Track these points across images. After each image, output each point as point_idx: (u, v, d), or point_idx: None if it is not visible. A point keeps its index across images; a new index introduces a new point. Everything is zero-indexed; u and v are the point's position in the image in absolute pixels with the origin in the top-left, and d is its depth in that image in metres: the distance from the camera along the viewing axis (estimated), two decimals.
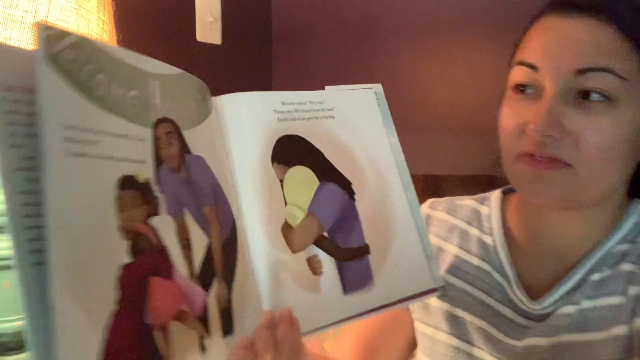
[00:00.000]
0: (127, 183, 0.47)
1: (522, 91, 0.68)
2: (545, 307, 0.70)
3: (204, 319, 0.52)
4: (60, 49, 0.44)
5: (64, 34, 0.44)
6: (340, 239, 0.65)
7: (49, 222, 0.40)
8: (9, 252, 0.86)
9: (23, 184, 0.41)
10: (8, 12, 0.70)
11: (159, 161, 0.51)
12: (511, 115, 0.68)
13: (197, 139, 0.56)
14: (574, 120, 0.63)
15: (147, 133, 0.50)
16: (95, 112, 0.46)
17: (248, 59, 1.52)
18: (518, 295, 0.72)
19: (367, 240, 0.66)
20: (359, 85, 0.71)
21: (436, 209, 0.83)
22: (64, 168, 0.42)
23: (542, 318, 0.70)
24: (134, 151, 0.48)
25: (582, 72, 0.63)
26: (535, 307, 0.71)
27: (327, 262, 0.64)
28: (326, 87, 0.70)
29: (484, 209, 0.80)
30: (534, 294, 0.72)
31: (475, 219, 0.80)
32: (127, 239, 0.45)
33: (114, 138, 0.47)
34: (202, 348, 0.51)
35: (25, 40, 0.71)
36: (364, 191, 0.67)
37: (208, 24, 1.37)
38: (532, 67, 0.67)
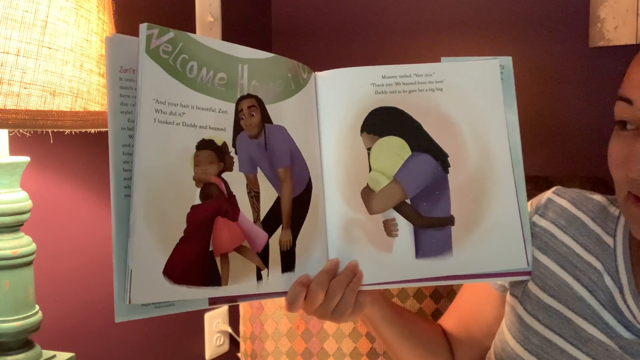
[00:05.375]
0: (205, 145, 0.62)
1: (625, 127, 0.66)
2: None
3: (264, 256, 0.65)
4: (158, 44, 0.59)
5: (163, 32, 0.60)
6: (423, 208, 0.69)
7: (135, 169, 0.57)
8: (9, 252, 0.86)
9: (125, 139, 0.58)
10: (8, 12, 0.70)
11: (238, 129, 0.64)
12: (616, 151, 0.67)
13: (281, 112, 0.67)
14: None
15: (231, 107, 0.64)
16: (184, 91, 0.61)
17: None
18: (631, 307, 0.70)
19: (453, 212, 0.68)
20: (484, 57, 0.71)
21: (560, 196, 0.80)
22: (151, 131, 0.58)
23: None
24: (215, 121, 0.62)
25: None
26: None
27: (404, 226, 0.68)
28: (442, 58, 0.70)
29: (613, 210, 0.77)
30: None
31: (601, 216, 0.77)
32: (199, 187, 0.61)
33: (198, 111, 0.61)
34: (259, 277, 0.64)
35: (25, 40, 0.71)
36: (461, 165, 0.69)
37: (208, 24, 1.37)
38: (628, 101, 0.65)
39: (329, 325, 1.07)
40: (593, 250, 0.75)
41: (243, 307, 1.17)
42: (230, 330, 1.47)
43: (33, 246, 0.84)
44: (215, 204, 0.62)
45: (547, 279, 0.75)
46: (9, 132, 0.83)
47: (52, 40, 0.73)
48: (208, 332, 1.43)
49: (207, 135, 0.62)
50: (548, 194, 0.82)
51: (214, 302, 0.62)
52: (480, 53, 1.39)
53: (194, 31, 1.35)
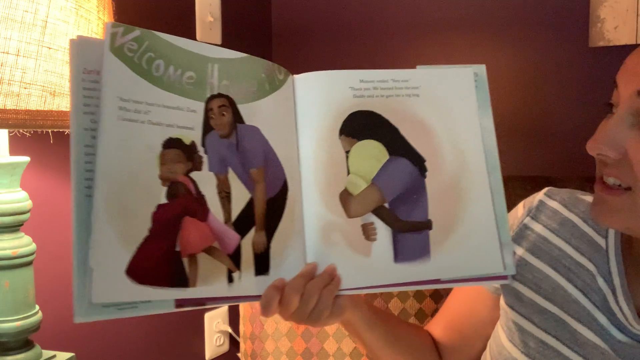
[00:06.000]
0: (171, 143, 0.61)
1: (611, 110, 0.68)
2: None
3: (236, 257, 0.63)
4: (123, 42, 0.59)
5: (128, 30, 0.60)
6: (401, 211, 0.68)
7: (97, 166, 0.57)
8: (9, 252, 0.86)
9: (88, 139, 0.58)
10: (8, 12, 0.70)
11: (208, 128, 0.63)
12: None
13: (254, 112, 0.67)
14: (630, 143, 0.63)
15: (200, 106, 0.63)
16: (149, 89, 0.60)
17: None
18: (623, 308, 0.70)
19: (431, 217, 0.68)
20: (458, 65, 0.72)
21: (552, 197, 0.80)
22: (114, 129, 0.58)
23: None
24: (183, 119, 0.62)
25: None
26: None
27: (383, 230, 0.68)
28: (418, 66, 0.71)
29: None
30: None
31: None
32: (165, 186, 0.60)
33: (165, 109, 0.61)
34: (230, 279, 0.62)
35: (25, 40, 0.71)
36: (438, 170, 0.69)
37: (208, 24, 1.37)
38: (615, 84, 0.67)
39: (329, 325, 1.07)
40: (586, 252, 0.75)
41: (243, 307, 1.17)
42: (230, 330, 1.47)
43: (33, 246, 0.84)
44: (182, 203, 0.61)
45: (541, 282, 0.75)
46: (9, 132, 0.83)
47: (52, 40, 0.73)
48: (208, 332, 1.43)
49: (175, 133, 0.61)
50: (540, 195, 0.82)
51: (181, 304, 0.60)
52: (479, 53, 1.39)
53: (194, 31, 1.35)
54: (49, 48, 0.73)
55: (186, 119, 0.62)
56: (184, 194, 0.61)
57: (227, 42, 1.43)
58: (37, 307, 0.86)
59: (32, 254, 0.83)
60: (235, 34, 1.47)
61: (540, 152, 1.35)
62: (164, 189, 0.60)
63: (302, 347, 1.09)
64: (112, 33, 0.59)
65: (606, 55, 1.28)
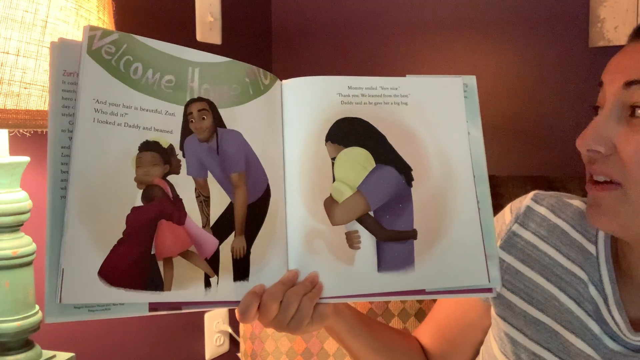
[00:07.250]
0: (148, 146, 0.61)
1: (597, 112, 0.69)
2: None
3: (214, 262, 0.63)
4: (101, 45, 0.60)
5: (106, 33, 0.60)
6: (386, 220, 0.67)
7: (71, 166, 0.57)
8: (9, 252, 0.85)
9: (65, 140, 0.58)
10: (8, 12, 0.70)
11: (187, 132, 0.63)
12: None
13: (237, 117, 0.66)
14: (619, 136, 0.63)
15: (179, 109, 0.63)
16: (127, 92, 0.60)
17: (248, 59, 1.52)
18: (615, 317, 0.69)
19: (416, 226, 0.68)
20: (448, 76, 0.71)
21: (539, 203, 0.79)
22: (90, 131, 0.58)
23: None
24: (161, 123, 0.62)
25: (629, 84, 0.63)
26: (635, 339, 0.67)
27: (367, 239, 0.67)
28: (407, 75, 0.71)
29: None
30: (636, 323, 0.69)
31: (581, 223, 0.76)
32: (141, 189, 0.60)
33: (142, 112, 0.61)
34: (207, 284, 0.62)
35: (25, 40, 0.71)
36: (424, 179, 0.69)
37: (208, 24, 1.37)
38: (600, 84, 0.68)
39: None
40: (576, 259, 0.74)
41: None
42: (230, 330, 1.47)
43: (33, 246, 0.84)
44: (158, 207, 0.60)
45: (533, 292, 0.75)
46: (9, 132, 0.83)
47: (52, 40, 0.73)
48: (208, 332, 1.43)
49: (152, 136, 0.61)
50: (527, 200, 0.80)
51: (155, 307, 0.59)
52: (479, 53, 1.39)
53: (194, 31, 1.35)
54: (49, 48, 0.73)
55: (164, 122, 0.62)
56: (160, 197, 0.60)
57: (227, 42, 1.43)
58: (37, 307, 0.86)
59: (32, 254, 0.83)
60: (235, 34, 1.47)
61: (540, 153, 1.35)
62: (140, 192, 0.60)
63: (302, 347, 1.09)
64: (90, 36, 0.59)
65: (606, 55, 1.27)
